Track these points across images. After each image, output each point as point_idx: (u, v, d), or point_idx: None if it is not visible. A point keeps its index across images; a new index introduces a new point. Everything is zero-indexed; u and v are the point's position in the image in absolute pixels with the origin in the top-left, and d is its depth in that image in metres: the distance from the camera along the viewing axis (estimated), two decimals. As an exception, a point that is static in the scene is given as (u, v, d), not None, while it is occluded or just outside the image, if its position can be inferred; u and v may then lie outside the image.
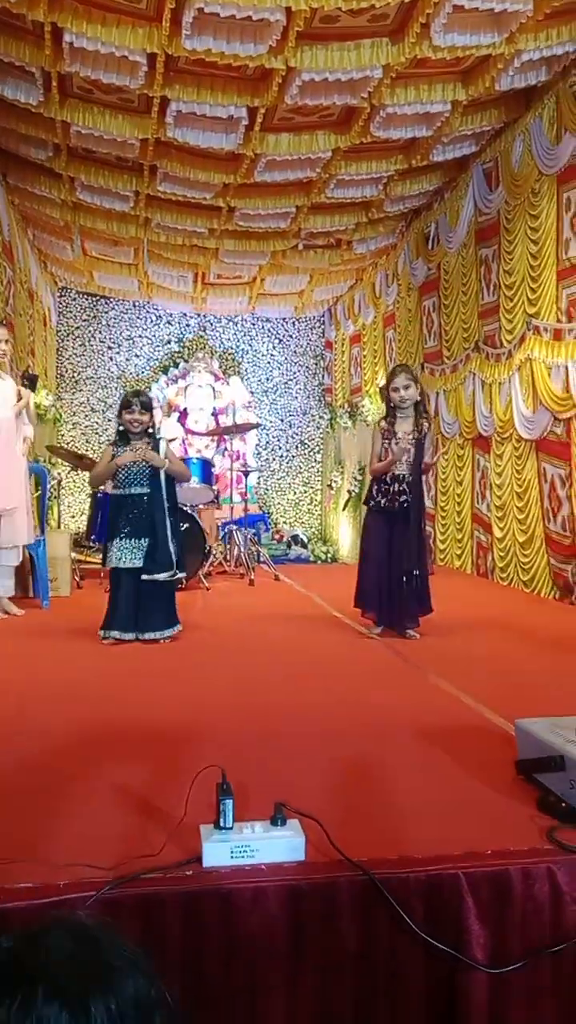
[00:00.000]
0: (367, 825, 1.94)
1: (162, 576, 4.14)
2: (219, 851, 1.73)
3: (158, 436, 4.32)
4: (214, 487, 7.21)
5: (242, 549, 7.22)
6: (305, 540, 11.26)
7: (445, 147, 6.73)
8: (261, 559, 7.67)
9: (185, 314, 11.93)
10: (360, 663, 3.83)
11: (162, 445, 4.22)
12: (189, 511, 6.15)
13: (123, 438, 4.24)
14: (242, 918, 1.64)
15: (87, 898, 1.57)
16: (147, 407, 4.22)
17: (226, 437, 10.89)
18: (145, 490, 4.18)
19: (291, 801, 1.89)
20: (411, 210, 8.50)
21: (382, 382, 10.06)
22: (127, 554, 4.18)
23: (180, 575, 4.23)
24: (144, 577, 4.12)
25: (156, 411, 11.40)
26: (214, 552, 7.18)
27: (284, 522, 12.14)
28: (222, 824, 1.78)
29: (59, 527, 8.12)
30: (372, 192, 7.55)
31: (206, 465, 7.17)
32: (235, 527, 7.43)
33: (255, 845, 1.74)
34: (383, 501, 4.36)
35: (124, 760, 2.39)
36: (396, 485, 4.33)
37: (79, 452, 7.09)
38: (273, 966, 1.65)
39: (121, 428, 4.25)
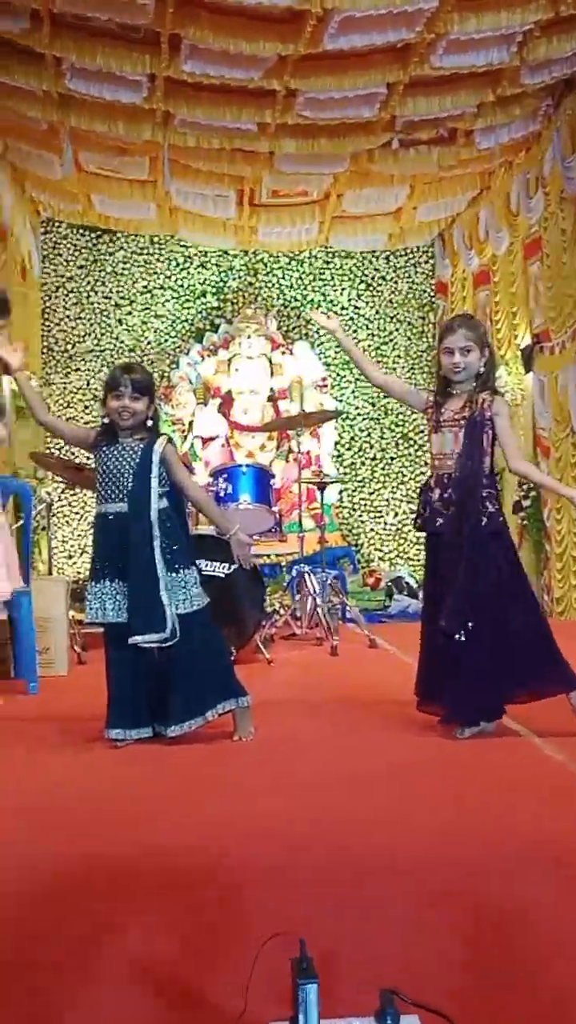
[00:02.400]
0: (524, 1019, 1.90)
1: (148, 639, 4.16)
2: (297, 1062, 1.73)
3: (159, 432, 4.38)
4: (274, 508, 7.25)
5: (319, 601, 7.23)
6: (414, 585, 11.21)
7: (612, -17, 6.71)
8: (348, 616, 7.64)
9: (226, 252, 12.12)
10: (502, 770, 3.78)
11: (159, 443, 4.26)
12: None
13: (110, 432, 4.33)
14: None
15: None
16: (143, 389, 4.27)
17: (291, 433, 10.96)
18: (121, 507, 4.24)
19: (404, 985, 1.87)
20: (561, 80, 8.47)
21: (525, 341, 10.07)
22: (108, 603, 4.22)
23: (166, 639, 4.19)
24: (129, 640, 4.17)
25: (184, 390, 11.61)
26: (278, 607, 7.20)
27: (381, 559, 12.11)
28: (302, 1022, 1.77)
29: (50, 572, 8.28)
30: (501, 57, 7.58)
31: (262, 475, 7.21)
32: (308, 569, 7.45)
33: (352, 1054, 1.73)
34: (424, 516, 4.37)
35: (151, 921, 2.40)
36: (438, 491, 4.30)
37: (76, 462, 7.22)
38: None
39: (107, 420, 4.35)
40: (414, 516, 4.54)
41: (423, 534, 4.51)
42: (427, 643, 4.42)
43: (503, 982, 2.09)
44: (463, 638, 4.16)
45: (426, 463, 12.02)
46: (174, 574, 4.21)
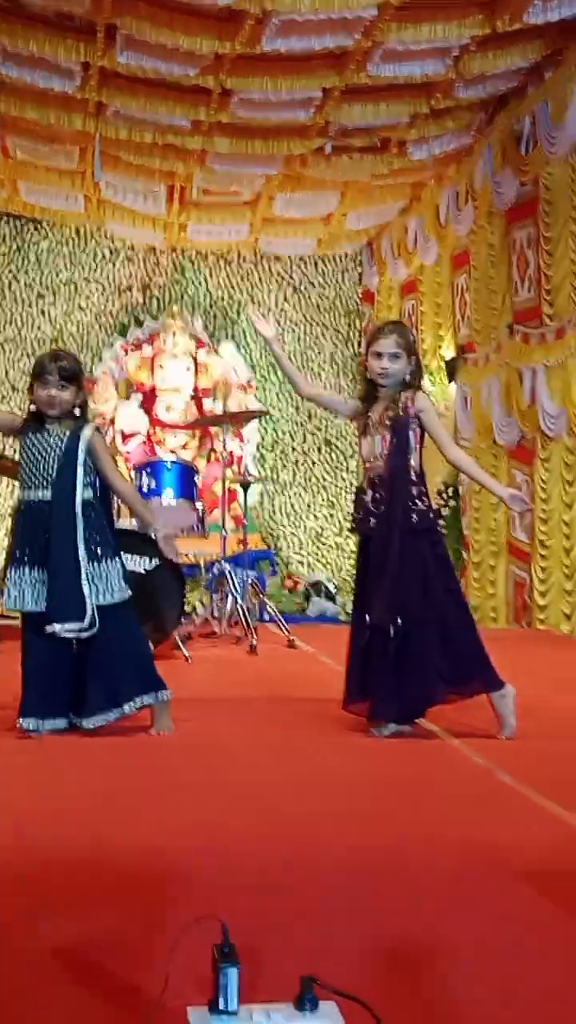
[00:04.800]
0: (434, 1008, 1.94)
1: (67, 629, 4.15)
2: (218, 1047, 1.74)
3: (87, 420, 4.37)
4: (198, 504, 7.24)
5: (239, 601, 7.23)
6: (332, 590, 11.24)
7: (547, 2, 6.81)
8: (267, 616, 7.67)
9: (154, 248, 12.05)
10: (423, 774, 3.82)
11: (86, 432, 4.25)
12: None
13: (37, 420, 4.31)
14: None
15: None
16: (70, 377, 4.27)
17: (214, 431, 10.94)
18: (45, 495, 4.22)
19: (323, 973, 1.89)
20: (495, 97, 8.61)
21: (449, 351, 10.18)
22: (28, 591, 4.21)
23: (88, 630, 4.19)
24: (47, 629, 4.16)
25: (106, 384, 11.48)
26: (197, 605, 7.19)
27: (300, 562, 12.14)
28: (222, 1007, 1.78)
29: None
30: (437, 69, 7.66)
31: (186, 472, 7.21)
32: (228, 568, 7.45)
33: (272, 1038, 1.75)
34: (357, 518, 4.42)
35: (71, 911, 2.39)
36: (371, 493, 4.36)
37: (-4, 452, 7.14)
38: None
39: (33, 408, 4.32)
40: (350, 519, 4.57)
41: (348, 540, 4.55)
42: (355, 641, 4.42)
43: (417, 969, 2.13)
44: (391, 634, 4.18)
45: (347, 469, 12.11)
46: (96, 564, 4.20)
